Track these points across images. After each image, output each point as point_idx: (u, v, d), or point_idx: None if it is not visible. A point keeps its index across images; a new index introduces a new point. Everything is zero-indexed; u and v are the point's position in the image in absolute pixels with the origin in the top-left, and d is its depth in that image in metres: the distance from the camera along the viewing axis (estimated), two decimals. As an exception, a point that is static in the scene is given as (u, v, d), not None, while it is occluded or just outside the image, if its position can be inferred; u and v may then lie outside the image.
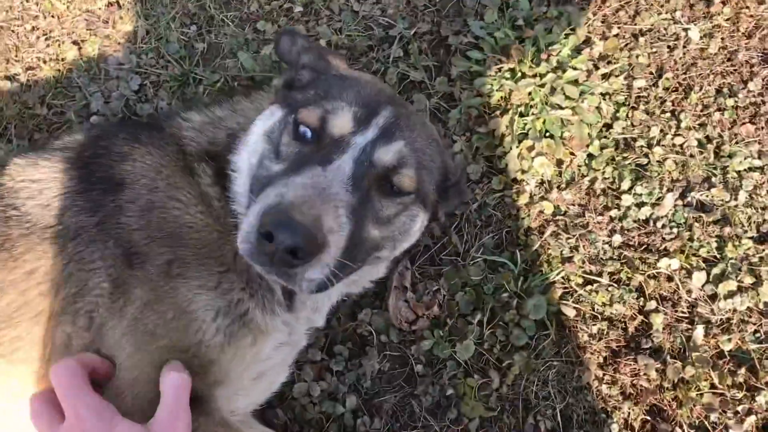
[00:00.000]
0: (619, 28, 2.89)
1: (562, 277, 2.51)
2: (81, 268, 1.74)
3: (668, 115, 2.74)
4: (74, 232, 1.78)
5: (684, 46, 2.86)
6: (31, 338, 1.72)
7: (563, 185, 2.64)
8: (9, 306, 1.71)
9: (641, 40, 2.87)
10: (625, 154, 2.67)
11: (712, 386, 2.32)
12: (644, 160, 2.65)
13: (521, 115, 2.69)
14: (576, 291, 2.48)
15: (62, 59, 2.92)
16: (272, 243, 1.49)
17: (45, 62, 2.92)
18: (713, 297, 2.45)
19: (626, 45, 2.87)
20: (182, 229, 1.82)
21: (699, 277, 2.46)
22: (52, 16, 3.03)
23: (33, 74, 2.89)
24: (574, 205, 2.62)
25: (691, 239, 2.52)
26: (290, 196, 1.55)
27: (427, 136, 1.94)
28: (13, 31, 2.99)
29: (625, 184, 2.61)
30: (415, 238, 1.99)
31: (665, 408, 2.33)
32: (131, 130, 2.07)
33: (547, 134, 2.67)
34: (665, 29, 2.89)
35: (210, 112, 2.15)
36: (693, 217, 2.55)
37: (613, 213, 2.59)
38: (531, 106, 2.69)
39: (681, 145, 2.68)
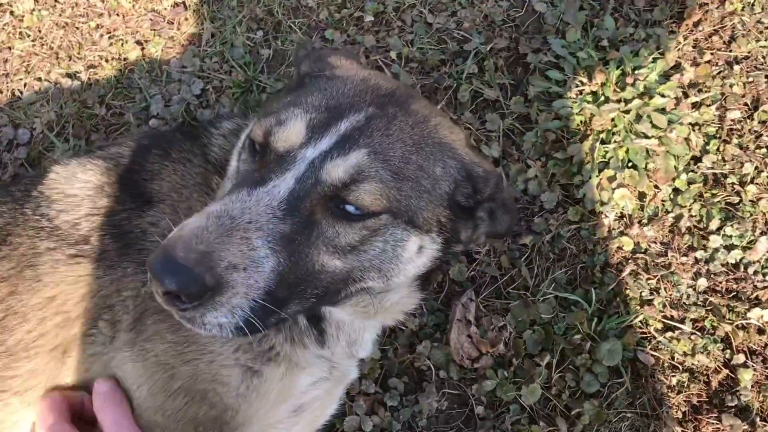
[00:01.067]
0: (712, 54, 2.69)
1: (640, 321, 2.31)
2: (102, 294, 1.64)
3: (764, 150, 2.52)
4: (98, 254, 1.67)
5: (784, 77, 2.64)
6: (47, 375, 1.61)
7: (645, 220, 2.45)
8: (29, 334, 1.61)
9: (736, 68, 2.66)
10: (714, 191, 2.46)
11: (806, 455, 2.11)
12: (735, 199, 2.44)
13: (603, 142, 2.51)
14: (655, 337, 2.29)
15: (124, 59, 2.84)
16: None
17: (107, 61, 2.84)
18: (809, 355, 2.23)
19: (719, 73, 2.66)
20: None
21: (794, 332, 2.24)
22: (117, 15, 2.95)
23: (94, 73, 2.82)
24: (656, 242, 2.43)
25: (786, 289, 2.30)
26: (185, 229, 1.32)
27: (422, 138, 1.56)
28: (77, 27, 2.93)
29: (714, 224, 2.40)
30: (416, 262, 1.61)
31: (751, 475, 2.12)
32: (165, 145, 1.92)
33: (630, 164, 2.49)
34: (763, 57, 2.68)
35: (240, 121, 1.97)
36: (789, 265, 2.33)
37: (699, 254, 2.39)
38: (614, 133, 2.51)
39: (777, 185, 2.46)
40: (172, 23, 2.91)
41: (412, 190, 1.51)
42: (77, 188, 1.80)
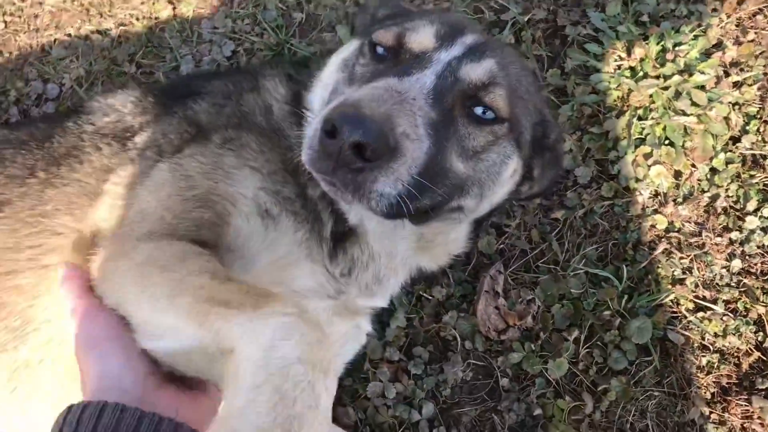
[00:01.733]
0: (756, 33, 2.62)
1: (672, 300, 2.27)
2: (151, 136, 1.81)
3: (806, 132, 2.46)
4: (140, 115, 1.91)
5: (829, 59, 2.57)
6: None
7: (680, 199, 2.40)
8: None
9: (780, 48, 2.59)
10: (752, 172, 2.41)
11: (837, 441, 2.06)
12: (774, 181, 2.39)
13: (640, 118, 2.45)
14: (686, 317, 2.25)
15: (156, 18, 2.80)
16: (336, 140, 1.28)
17: (138, 19, 2.81)
18: (844, 341, 2.19)
19: (762, 53, 2.59)
20: (250, 124, 1.79)
21: (830, 317, 2.19)
22: (150, -28, 2.91)
23: (124, 30, 2.78)
24: (690, 222, 2.38)
25: (823, 273, 2.25)
26: (357, 95, 1.36)
27: (522, 66, 1.72)
28: (108, -16, 2.90)
29: (751, 205, 2.35)
30: (506, 188, 1.72)
31: (779, 459, 2.08)
32: (210, 73, 2.23)
33: (667, 142, 2.43)
34: (808, 38, 2.61)
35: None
36: (828, 249, 2.28)
37: (734, 235, 2.34)
38: (651, 110, 2.46)
39: (818, 168, 2.40)
40: (205, -17, 2.87)
41: (523, 108, 1.64)
42: (119, 99, 1.98)
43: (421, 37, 1.58)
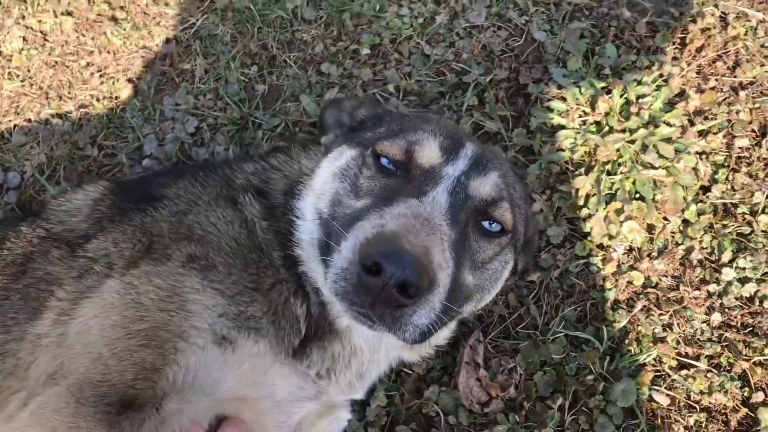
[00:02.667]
0: (716, 80, 2.64)
1: (654, 359, 2.24)
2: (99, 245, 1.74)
3: (774, 178, 2.46)
4: (94, 222, 1.84)
5: (791, 102, 2.59)
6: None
7: (655, 254, 2.38)
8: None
9: (742, 94, 2.61)
10: (725, 222, 2.40)
11: (832, 497, 2.02)
12: (747, 229, 2.38)
13: (608, 173, 2.44)
14: (669, 375, 2.21)
15: (116, 97, 2.77)
16: (379, 277, 1.28)
17: (98, 100, 2.77)
18: (831, 391, 2.16)
19: (725, 99, 2.61)
20: (218, 237, 1.73)
21: (815, 368, 2.17)
22: (108, 52, 2.89)
23: (85, 113, 2.75)
24: (667, 276, 2.36)
25: (804, 323, 2.23)
26: (392, 225, 1.38)
27: (512, 171, 1.83)
28: (67, 66, 2.86)
29: (726, 256, 2.34)
30: (499, 288, 1.81)
31: None
32: (175, 171, 2.07)
33: (638, 196, 2.42)
34: (768, 82, 2.63)
35: (264, 162, 2.03)
36: (807, 298, 2.26)
37: (712, 288, 2.32)
38: (619, 164, 2.45)
39: (790, 214, 2.40)
40: (164, 59, 2.84)
41: (520, 216, 1.76)
42: (77, 197, 1.94)
43: (429, 151, 1.64)
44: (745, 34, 2.72)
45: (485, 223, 1.64)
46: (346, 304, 1.40)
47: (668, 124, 2.47)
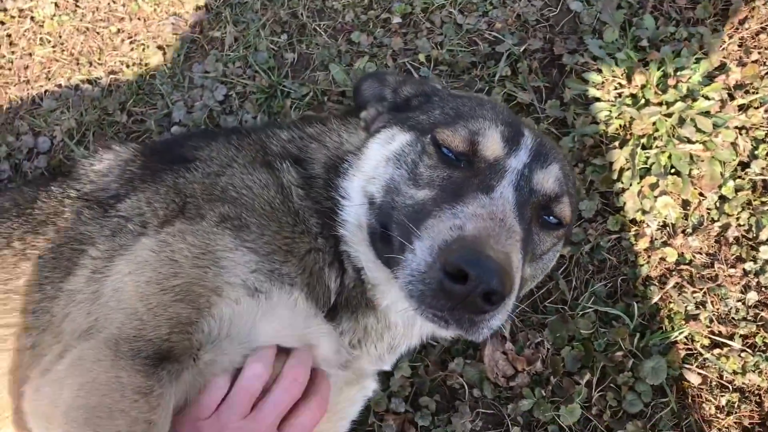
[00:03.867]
0: (759, 53, 2.55)
1: (686, 337, 2.20)
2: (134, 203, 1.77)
3: (817, 155, 2.38)
4: (125, 182, 1.87)
5: (837, 76, 2.50)
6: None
7: (689, 230, 2.33)
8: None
9: (785, 67, 2.53)
10: (763, 199, 2.34)
11: None
12: (787, 207, 2.31)
13: (644, 147, 2.39)
14: (701, 354, 2.17)
15: (146, 64, 2.77)
16: (464, 285, 1.29)
17: (128, 66, 2.78)
18: None
19: (767, 73, 2.52)
20: (252, 199, 1.74)
21: None
22: (138, 19, 2.89)
23: (115, 79, 2.75)
24: (701, 253, 2.31)
25: (844, 303, 2.17)
26: (471, 228, 1.38)
27: (566, 159, 1.83)
28: (98, 33, 2.87)
29: (764, 234, 2.28)
30: (544, 275, 1.86)
31: (807, 503, 1.99)
32: (207, 134, 2.10)
33: (673, 171, 2.37)
34: (815, 56, 2.54)
35: (299, 131, 2.00)
36: None
37: (748, 266, 2.26)
38: (655, 138, 2.39)
39: (832, 191, 2.32)
40: (195, 27, 2.83)
41: (575, 207, 1.78)
42: (108, 157, 1.96)
43: (492, 143, 1.62)
44: (791, 6, 2.63)
45: (547, 218, 1.65)
46: (423, 306, 1.40)
47: (707, 98, 2.40)
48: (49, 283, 1.69)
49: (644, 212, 2.34)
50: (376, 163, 1.73)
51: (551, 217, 1.66)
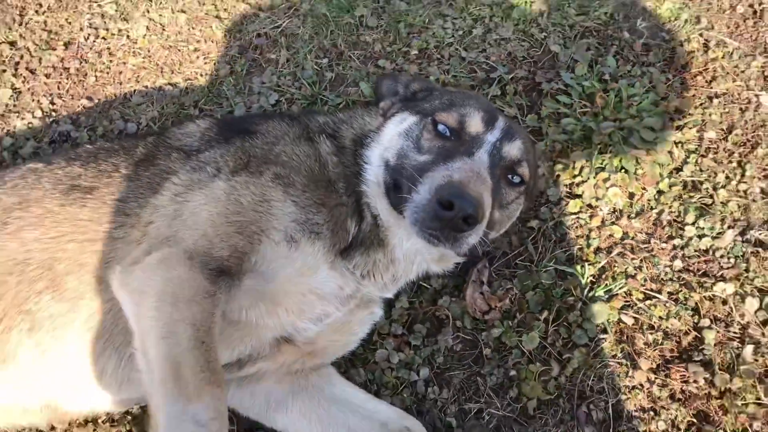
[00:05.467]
0: (695, 90, 3.26)
1: (625, 291, 2.77)
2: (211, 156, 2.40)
3: (734, 164, 3.04)
4: (205, 142, 2.52)
5: (755, 110, 3.19)
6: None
7: (633, 215, 2.95)
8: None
9: (715, 101, 3.22)
10: (691, 194, 2.97)
11: (758, 399, 2.51)
12: (709, 200, 2.95)
13: (600, 152, 3.05)
14: (636, 304, 2.75)
15: (216, 75, 3.52)
16: (452, 212, 1.95)
17: (201, 75, 3.53)
18: (765, 323, 2.67)
19: (701, 104, 3.22)
20: (299, 164, 2.33)
21: (752, 303, 2.69)
22: (212, 41, 3.66)
23: (190, 83, 3.50)
24: (641, 232, 2.92)
25: (747, 270, 2.76)
26: (458, 176, 2.05)
27: (529, 138, 2.57)
28: (179, 50, 3.64)
29: (690, 218, 2.90)
30: (512, 222, 2.56)
31: (711, 414, 2.53)
32: (266, 115, 2.81)
33: (623, 169, 3.02)
34: (738, 94, 3.24)
35: (332, 116, 2.69)
36: (751, 252, 2.80)
37: (677, 242, 2.87)
38: (610, 145, 3.06)
39: (744, 191, 2.96)
40: (257, 49, 3.60)
41: (533, 171, 2.47)
42: (192, 126, 2.60)
43: (475, 122, 2.31)
44: (723, 57, 3.36)
45: (511, 176, 2.33)
46: (421, 227, 2.06)
47: (651, 117, 3.09)
48: (142, 197, 2.31)
49: (598, 199, 2.98)
50: (391, 137, 2.41)
51: (515, 177, 2.34)
